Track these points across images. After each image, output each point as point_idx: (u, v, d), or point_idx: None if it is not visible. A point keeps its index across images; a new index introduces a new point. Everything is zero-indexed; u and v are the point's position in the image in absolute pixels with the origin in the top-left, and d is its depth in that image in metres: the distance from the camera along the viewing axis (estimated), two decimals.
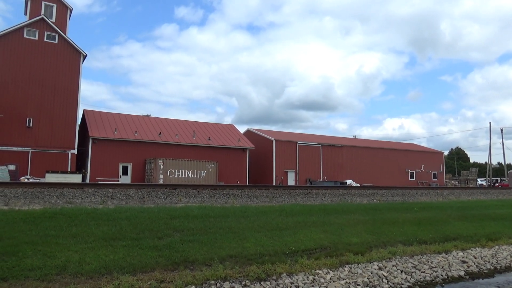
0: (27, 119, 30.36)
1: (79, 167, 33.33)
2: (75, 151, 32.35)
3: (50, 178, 26.53)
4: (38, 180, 25.58)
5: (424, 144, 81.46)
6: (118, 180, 33.18)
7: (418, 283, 10.58)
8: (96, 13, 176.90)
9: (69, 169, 31.04)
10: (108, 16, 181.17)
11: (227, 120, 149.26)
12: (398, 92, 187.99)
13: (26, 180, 25.05)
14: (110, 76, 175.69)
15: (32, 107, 30.69)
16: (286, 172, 43.60)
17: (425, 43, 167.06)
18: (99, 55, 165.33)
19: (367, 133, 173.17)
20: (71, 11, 33.99)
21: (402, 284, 10.25)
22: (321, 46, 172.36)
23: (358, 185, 39.58)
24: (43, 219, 11.07)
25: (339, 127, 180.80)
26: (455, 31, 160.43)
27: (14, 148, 29.75)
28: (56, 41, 31.95)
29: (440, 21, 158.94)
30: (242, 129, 48.77)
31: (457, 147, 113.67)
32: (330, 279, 9.72)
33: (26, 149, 30.21)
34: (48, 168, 28.88)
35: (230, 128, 45.65)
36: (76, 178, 27.96)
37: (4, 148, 29.43)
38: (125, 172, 34.55)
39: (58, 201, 15.11)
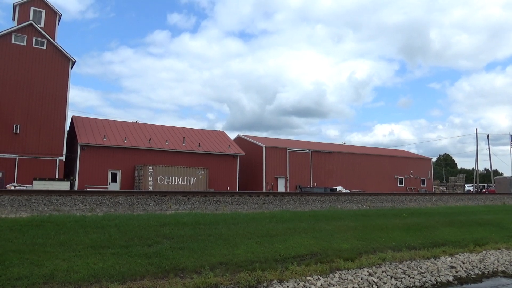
0: (14, 125, 29.92)
1: (67, 174, 32.91)
2: (63, 158, 31.94)
3: (38, 185, 26.15)
4: (25, 188, 25.18)
5: (413, 150, 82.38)
6: (107, 187, 32.83)
7: None
8: (89, 19, 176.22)
9: (57, 176, 30.61)
10: (101, 22, 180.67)
11: (218, 127, 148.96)
12: (388, 99, 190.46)
13: (12, 188, 24.62)
14: (101, 82, 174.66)
15: (20, 113, 30.28)
16: (277, 178, 43.63)
17: (415, 51, 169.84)
18: (90, 61, 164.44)
19: (358, 139, 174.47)
20: (60, 17, 33.77)
21: None
22: (313, 53, 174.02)
23: (348, 191, 39.79)
24: (30, 227, 10.88)
25: (330, 134, 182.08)
26: (444, 39, 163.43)
27: (0, 155, 29.25)
28: (45, 47, 31.67)
29: (430, 29, 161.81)
30: (233, 135, 48.77)
31: (445, 153, 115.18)
32: (321, 285, 9.74)
33: (13, 155, 29.74)
34: (35, 175, 28.47)
35: (221, 134, 45.62)
36: (64, 185, 27.61)
37: None
38: (114, 179, 34.20)
39: (46, 208, 14.88)
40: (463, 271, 12.47)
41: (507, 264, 13.76)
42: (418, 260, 12.58)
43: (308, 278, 9.90)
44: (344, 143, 67.63)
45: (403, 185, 53.38)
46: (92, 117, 39.82)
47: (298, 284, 9.55)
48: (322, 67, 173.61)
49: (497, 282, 12.16)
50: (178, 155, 37.50)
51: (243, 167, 42.48)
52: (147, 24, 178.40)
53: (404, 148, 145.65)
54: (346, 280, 10.26)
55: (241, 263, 10.04)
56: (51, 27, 32.75)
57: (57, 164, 31.37)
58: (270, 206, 19.69)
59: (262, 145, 43.88)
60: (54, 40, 32.16)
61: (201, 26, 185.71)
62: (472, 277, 12.30)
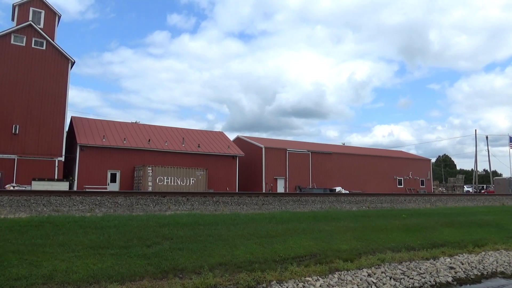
0: (13, 125, 29.90)
1: (66, 174, 32.87)
2: (62, 159, 31.92)
3: (37, 185, 26.10)
4: (24, 188, 25.13)
5: (413, 151, 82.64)
6: (106, 188, 32.80)
7: None
8: (89, 20, 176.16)
9: (56, 177, 30.58)
10: (100, 23, 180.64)
11: (218, 127, 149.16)
12: (388, 100, 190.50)
13: (11, 188, 24.59)
14: (100, 83, 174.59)
15: (19, 113, 30.27)
16: (276, 179, 43.63)
17: (415, 52, 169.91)
18: (89, 61, 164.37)
19: (357, 140, 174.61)
20: (59, 17, 33.76)
21: None
22: (312, 54, 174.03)
23: (347, 192, 39.80)
24: (29, 228, 10.87)
25: (330, 134, 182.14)
26: (443, 40, 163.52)
27: (0, 156, 29.24)
28: (44, 48, 31.66)
29: (430, 30, 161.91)
30: (233, 136, 48.75)
31: (444, 154, 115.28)
32: (320, 286, 9.74)
33: (12, 156, 29.71)
34: (34, 176, 28.41)
35: (220, 135, 45.62)
36: (63, 186, 27.56)
37: None
38: (113, 179, 34.18)
39: (45, 209, 14.87)
40: (462, 272, 12.48)
41: (506, 265, 13.77)
42: (417, 261, 12.58)
43: (307, 278, 9.90)
44: (344, 144, 67.66)
45: (402, 186, 53.39)
46: (91, 118, 39.85)
47: (297, 284, 9.55)
48: (321, 68, 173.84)
49: (496, 283, 12.16)
50: (178, 155, 37.49)
51: (242, 167, 42.48)
52: (147, 24, 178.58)
53: (404, 149, 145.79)
54: (345, 281, 10.26)
55: (240, 263, 10.03)
56: (50, 28, 32.74)
57: (56, 164, 31.34)
58: (269, 207, 19.68)
59: (262, 145, 43.88)
60: (53, 41, 32.15)
61: (200, 26, 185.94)
62: (471, 278, 12.30)
